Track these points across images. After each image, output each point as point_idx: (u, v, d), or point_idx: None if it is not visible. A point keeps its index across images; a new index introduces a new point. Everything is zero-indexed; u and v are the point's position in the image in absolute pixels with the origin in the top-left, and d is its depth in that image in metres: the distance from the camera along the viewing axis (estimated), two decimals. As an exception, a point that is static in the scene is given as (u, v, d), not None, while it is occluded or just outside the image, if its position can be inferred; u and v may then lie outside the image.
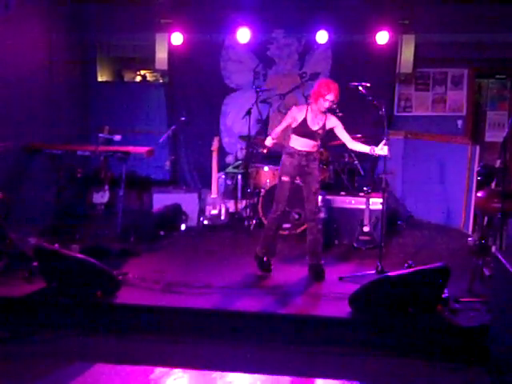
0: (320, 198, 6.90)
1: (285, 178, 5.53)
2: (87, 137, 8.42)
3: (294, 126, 5.51)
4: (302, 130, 5.44)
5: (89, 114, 9.17)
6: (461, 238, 7.03)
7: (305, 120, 5.43)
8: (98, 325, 4.76)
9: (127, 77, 10.28)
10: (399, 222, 7.76)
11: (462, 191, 7.44)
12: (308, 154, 5.53)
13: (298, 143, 5.51)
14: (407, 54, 8.33)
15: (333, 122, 5.49)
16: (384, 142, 5.41)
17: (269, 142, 5.67)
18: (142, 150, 6.94)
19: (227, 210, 7.47)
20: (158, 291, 5.12)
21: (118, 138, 6.89)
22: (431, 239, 7.17)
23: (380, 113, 5.62)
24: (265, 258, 5.70)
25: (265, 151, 6.30)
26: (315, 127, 5.44)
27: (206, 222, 7.40)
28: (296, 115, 5.47)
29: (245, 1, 8.15)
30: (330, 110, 5.42)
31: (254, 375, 4.15)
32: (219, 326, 4.70)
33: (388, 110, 8.72)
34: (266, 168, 7.43)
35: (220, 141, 7.78)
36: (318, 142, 5.58)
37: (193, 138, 9.05)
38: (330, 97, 5.31)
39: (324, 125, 5.46)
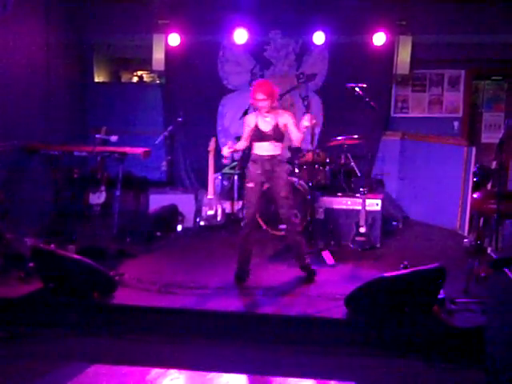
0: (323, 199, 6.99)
1: (249, 185, 5.44)
2: (84, 137, 8.40)
3: (251, 133, 5.48)
4: (257, 134, 5.40)
5: (86, 115, 9.17)
6: (457, 239, 7.05)
7: (256, 125, 5.40)
8: (95, 325, 4.77)
9: (124, 77, 10.29)
10: (395, 223, 7.78)
11: (458, 192, 7.46)
12: (271, 157, 5.42)
13: (259, 149, 5.43)
14: (404, 55, 8.35)
15: (285, 119, 5.41)
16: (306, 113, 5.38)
17: (225, 151, 5.59)
18: (139, 150, 6.95)
19: (223, 210, 7.46)
20: (154, 292, 5.13)
21: (114, 138, 6.89)
22: (427, 240, 7.19)
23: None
24: (240, 268, 5.51)
25: (225, 161, 6.21)
26: (267, 128, 5.38)
27: (202, 223, 7.40)
28: (249, 122, 5.47)
29: (242, 2, 8.15)
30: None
31: (250, 376, 4.17)
32: (215, 327, 4.71)
33: (385, 111, 8.77)
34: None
35: (217, 141, 7.77)
36: (278, 143, 5.44)
37: (189, 139, 9.05)
38: (259, 95, 5.28)
39: (276, 123, 5.38)
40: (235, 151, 5.89)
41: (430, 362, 4.28)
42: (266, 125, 5.39)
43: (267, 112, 5.38)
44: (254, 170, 5.45)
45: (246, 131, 5.53)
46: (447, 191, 7.66)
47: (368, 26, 8.18)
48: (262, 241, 6.70)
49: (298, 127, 5.39)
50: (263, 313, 4.81)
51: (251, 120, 5.47)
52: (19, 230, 6.06)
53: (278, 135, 5.40)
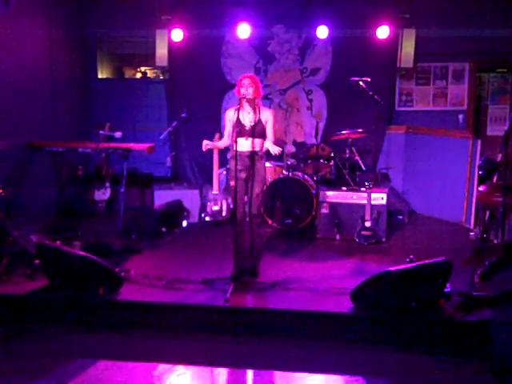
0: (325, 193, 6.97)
1: (232, 183, 5.29)
2: (88, 134, 8.40)
3: (232, 128, 5.28)
4: (238, 129, 5.21)
5: (89, 111, 9.17)
6: (463, 233, 7.04)
7: (237, 118, 5.21)
8: (101, 322, 4.78)
9: (127, 73, 10.27)
10: (401, 217, 7.76)
11: (463, 185, 7.43)
12: (252, 153, 5.26)
13: (239, 145, 5.20)
14: (408, 49, 8.33)
15: (266, 116, 5.29)
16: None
17: (204, 147, 5.40)
18: (143, 146, 6.95)
19: (228, 206, 7.46)
20: (160, 288, 5.13)
21: (118, 134, 6.89)
22: (433, 234, 7.17)
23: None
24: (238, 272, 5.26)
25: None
26: (248, 123, 5.22)
27: (207, 219, 7.41)
28: (230, 117, 5.30)
29: (245, -4, 8.16)
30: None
31: (257, 371, 4.16)
32: (221, 322, 4.71)
33: (389, 104, 8.75)
34: (267, 164, 7.40)
35: (221, 137, 7.76)
36: (259, 139, 5.28)
37: (194, 135, 9.02)
38: (246, 80, 5.20)
39: (258, 119, 5.23)
40: (215, 148, 5.59)
41: (436, 355, 4.28)
42: (247, 119, 5.24)
43: (249, 103, 5.23)
44: (234, 166, 5.26)
45: (228, 127, 5.37)
46: (453, 184, 7.64)
47: (371, 19, 8.15)
48: (268, 236, 6.70)
49: (274, 130, 5.31)
50: (269, 308, 4.81)
51: (231, 114, 5.28)
52: (24, 227, 6.07)
53: (259, 131, 5.26)
